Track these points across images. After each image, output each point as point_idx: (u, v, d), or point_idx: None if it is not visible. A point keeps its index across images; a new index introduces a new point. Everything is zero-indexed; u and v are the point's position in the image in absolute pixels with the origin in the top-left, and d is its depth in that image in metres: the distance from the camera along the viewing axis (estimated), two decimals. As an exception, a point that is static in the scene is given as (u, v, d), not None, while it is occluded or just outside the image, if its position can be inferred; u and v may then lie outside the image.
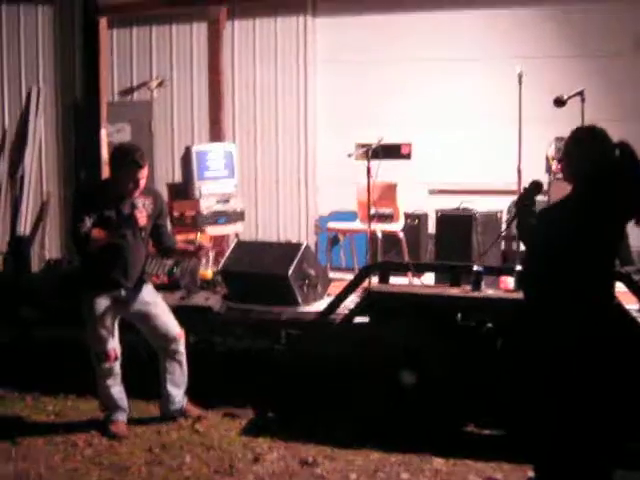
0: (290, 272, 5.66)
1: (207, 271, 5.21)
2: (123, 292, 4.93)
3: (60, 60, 9.30)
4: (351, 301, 5.47)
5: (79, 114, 8.96)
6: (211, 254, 5.13)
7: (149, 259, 5.20)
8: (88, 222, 4.75)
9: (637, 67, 7.67)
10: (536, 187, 3.95)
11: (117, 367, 4.99)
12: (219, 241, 7.20)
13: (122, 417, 5.04)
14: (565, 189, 6.49)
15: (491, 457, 4.51)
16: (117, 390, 5.02)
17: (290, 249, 5.94)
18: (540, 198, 6.79)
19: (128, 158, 4.76)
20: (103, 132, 6.18)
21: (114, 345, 4.95)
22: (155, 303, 5.09)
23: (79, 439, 4.89)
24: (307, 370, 5.35)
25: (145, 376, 5.17)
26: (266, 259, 5.81)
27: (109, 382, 4.98)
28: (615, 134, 3.78)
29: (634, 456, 4.23)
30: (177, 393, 5.16)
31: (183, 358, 5.15)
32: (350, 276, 5.86)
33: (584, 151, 3.70)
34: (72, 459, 4.63)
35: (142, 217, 4.82)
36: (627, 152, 3.66)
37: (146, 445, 4.81)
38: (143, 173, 4.80)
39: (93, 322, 4.91)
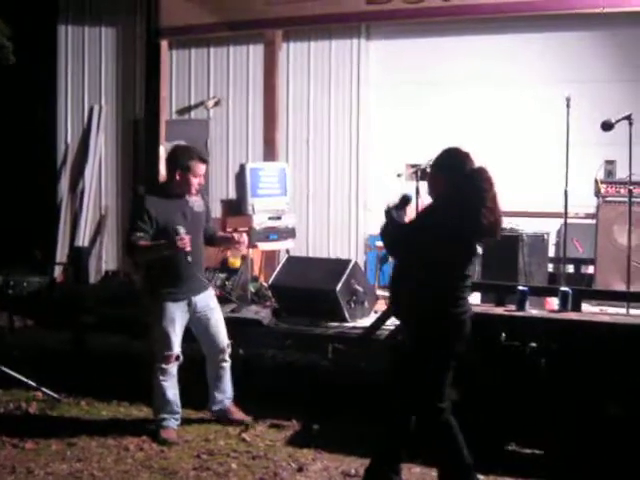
0: (338, 288, 5.80)
1: (236, 259, 5.41)
2: (191, 298, 5.13)
3: (121, 80, 9.64)
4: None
5: (138, 132, 9.28)
6: (243, 247, 5.36)
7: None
8: (140, 233, 4.95)
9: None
10: (403, 199, 4.24)
11: (175, 370, 5.15)
12: (270, 257, 7.38)
13: (173, 424, 5.19)
14: (612, 211, 6.55)
15: (531, 475, 4.55)
16: (172, 393, 5.16)
17: (339, 265, 6.09)
18: (579, 221, 6.88)
19: (190, 155, 5.04)
20: (161, 149, 6.40)
21: (177, 349, 5.13)
22: (216, 310, 5.30)
23: (131, 443, 5.05)
24: (352, 384, 5.47)
25: (194, 384, 5.33)
26: (315, 274, 5.96)
27: (165, 384, 5.13)
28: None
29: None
30: (222, 397, 5.36)
31: (228, 366, 5.35)
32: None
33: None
34: (124, 462, 4.79)
35: (185, 244, 4.91)
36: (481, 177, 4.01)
37: (194, 451, 4.95)
38: (202, 170, 5.06)
39: (160, 326, 5.09)
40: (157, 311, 5.11)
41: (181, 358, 5.16)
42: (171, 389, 5.16)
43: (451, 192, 4.05)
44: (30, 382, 5.91)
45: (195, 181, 5.05)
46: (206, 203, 5.39)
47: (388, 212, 4.19)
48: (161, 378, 5.13)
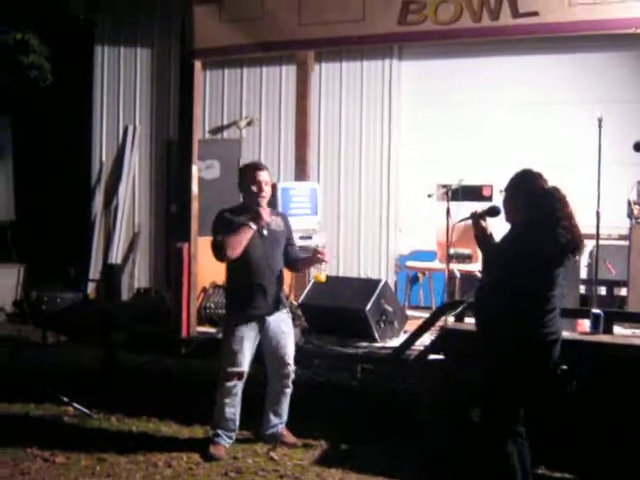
0: (368, 307, 5.79)
1: (321, 275, 5.28)
2: (264, 318, 5.13)
3: (156, 100, 9.78)
4: (427, 339, 5.57)
5: (172, 151, 9.39)
6: (327, 257, 5.24)
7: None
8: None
9: None
10: (492, 209, 4.41)
11: (238, 388, 5.14)
12: (300, 275, 7.38)
13: (225, 441, 5.18)
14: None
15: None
16: (231, 412, 5.15)
17: (369, 285, 6.09)
18: (611, 243, 6.83)
19: (249, 166, 5.20)
20: (194, 168, 6.45)
21: (244, 368, 5.12)
22: (288, 334, 5.26)
23: (159, 460, 5.07)
24: (381, 404, 5.46)
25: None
26: (345, 294, 5.96)
27: (227, 400, 5.13)
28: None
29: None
30: (277, 422, 5.33)
31: (289, 392, 5.30)
32: (428, 315, 5.95)
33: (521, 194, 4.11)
34: (152, 478, 4.81)
35: (265, 213, 5.01)
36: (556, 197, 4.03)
37: (222, 469, 4.95)
38: (263, 175, 5.09)
39: (228, 342, 5.12)
40: (228, 327, 5.18)
41: (244, 377, 5.13)
42: (230, 407, 5.15)
43: (526, 214, 4.05)
44: (62, 397, 5.99)
45: (255, 189, 5.06)
46: (288, 226, 5.33)
47: (475, 216, 4.38)
48: (222, 395, 5.14)
